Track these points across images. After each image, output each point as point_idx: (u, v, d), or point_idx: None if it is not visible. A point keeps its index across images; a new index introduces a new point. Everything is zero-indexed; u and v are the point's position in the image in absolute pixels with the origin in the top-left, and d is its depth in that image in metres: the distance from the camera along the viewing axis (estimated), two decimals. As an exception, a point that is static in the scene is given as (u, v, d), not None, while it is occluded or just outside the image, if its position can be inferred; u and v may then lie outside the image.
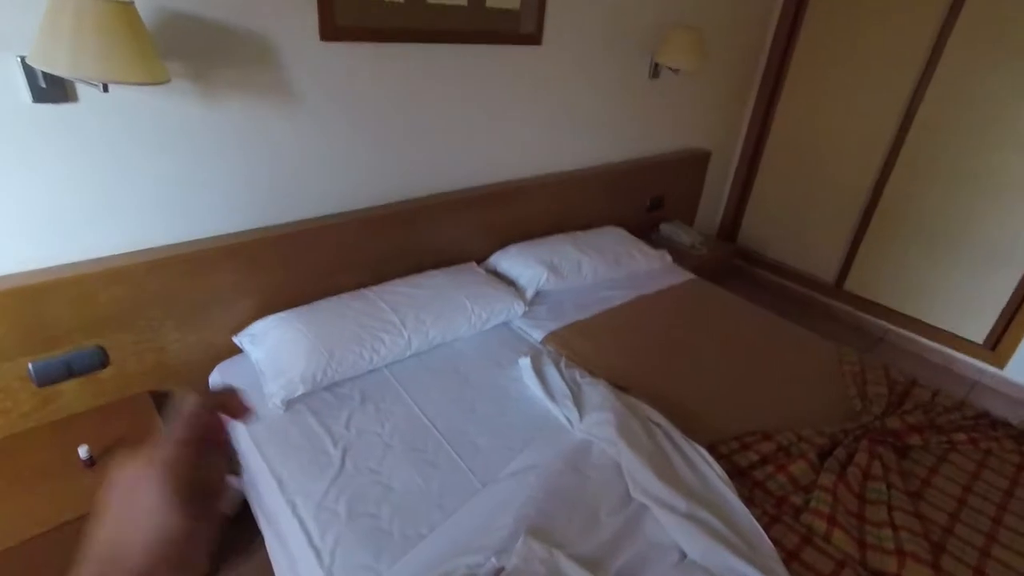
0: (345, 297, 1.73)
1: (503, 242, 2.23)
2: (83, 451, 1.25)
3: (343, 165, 1.73)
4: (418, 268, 1.98)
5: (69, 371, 1.35)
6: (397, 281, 1.84)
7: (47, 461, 1.27)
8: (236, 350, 1.60)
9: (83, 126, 1.25)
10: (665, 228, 2.84)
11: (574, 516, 1.23)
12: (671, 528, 1.18)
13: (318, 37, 1.52)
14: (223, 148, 1.47)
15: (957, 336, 2.75)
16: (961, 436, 1.58)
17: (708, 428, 1.54)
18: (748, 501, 1.29)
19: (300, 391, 1.45)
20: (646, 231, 2.84)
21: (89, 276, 1.32)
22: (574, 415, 1.50)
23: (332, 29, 1.54)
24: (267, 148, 1.55)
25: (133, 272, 1.37)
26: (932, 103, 2.61)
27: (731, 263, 3.59)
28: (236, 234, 1.57)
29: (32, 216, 1.27)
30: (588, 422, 1.47)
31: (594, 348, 1.83)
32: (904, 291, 2.89)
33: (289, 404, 1.45)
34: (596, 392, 1.56)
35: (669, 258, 2.46)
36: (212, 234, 1.53)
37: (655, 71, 2.52)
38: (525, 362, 1.67)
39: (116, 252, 1.39)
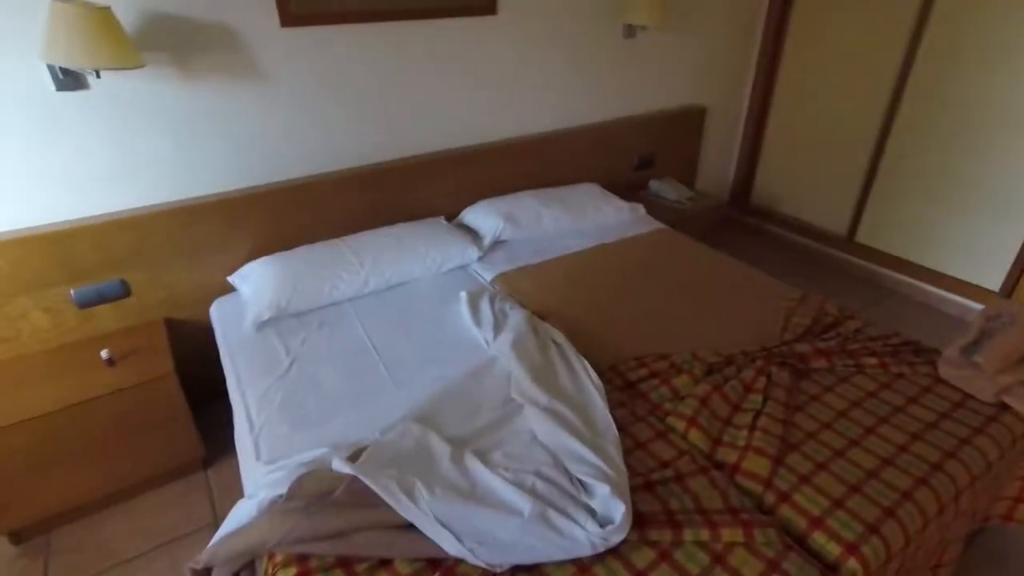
0: (319, 244, 2.05)
1: (477, 201, 2.46)
2: (104, 353, 1.69)
3: (317, 133, 2.05)
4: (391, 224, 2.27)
5: (100, 298, 1.79)
6: (367, 231, 2.15)
7: (80, 361, 1.72)
8: (232, 288, 1.99)
9: (95, 108, 1.66)
10: (654, 185, 2.91)
11: (458, 409, 1.45)
12: (531, 417, 1.38)
13: (279, 24, 1.84)
14: (205, 121, 1.84)
15: (972, 284, 2.58)
16: (872, 360, 1.60)
17: (614, 350, 1.68)
18: (621, 405, 1.45)
19: (267, 316, 1.79)
20: (635, 189, 2.93)
21: (106, 224, 1.74)
22: (491, 337, 1.72)
23: (290, 16, 1.85)
24: (244, 121, 1.90)
25: (140, 222, 1.78)
26: (936, 35, 2.46)
27: (741, 222, 3.55)
28: (224, 192, 1.94)
29: (59, 179, 1.69)
30: (497, 342, 1.68)
31: (535, 287, 2.02)
32: (915, 240, 2.75)
33: (260, 326, 1.80)
34: (514, 318, 1.77)
35: (642, 210, 2.55)
36: (204, 193, 1.92)
37: (630, 31, 2.60)
38: (463, 295, 1.91)
39: (127, 208, 1.81)
